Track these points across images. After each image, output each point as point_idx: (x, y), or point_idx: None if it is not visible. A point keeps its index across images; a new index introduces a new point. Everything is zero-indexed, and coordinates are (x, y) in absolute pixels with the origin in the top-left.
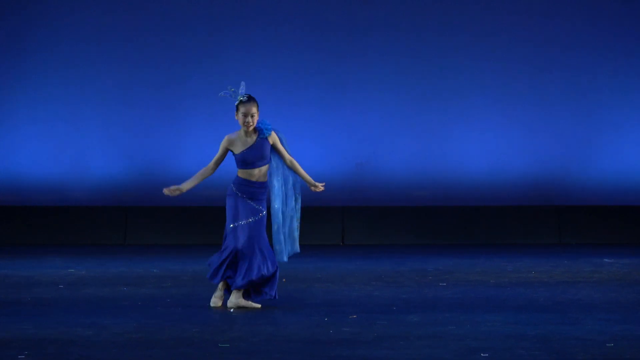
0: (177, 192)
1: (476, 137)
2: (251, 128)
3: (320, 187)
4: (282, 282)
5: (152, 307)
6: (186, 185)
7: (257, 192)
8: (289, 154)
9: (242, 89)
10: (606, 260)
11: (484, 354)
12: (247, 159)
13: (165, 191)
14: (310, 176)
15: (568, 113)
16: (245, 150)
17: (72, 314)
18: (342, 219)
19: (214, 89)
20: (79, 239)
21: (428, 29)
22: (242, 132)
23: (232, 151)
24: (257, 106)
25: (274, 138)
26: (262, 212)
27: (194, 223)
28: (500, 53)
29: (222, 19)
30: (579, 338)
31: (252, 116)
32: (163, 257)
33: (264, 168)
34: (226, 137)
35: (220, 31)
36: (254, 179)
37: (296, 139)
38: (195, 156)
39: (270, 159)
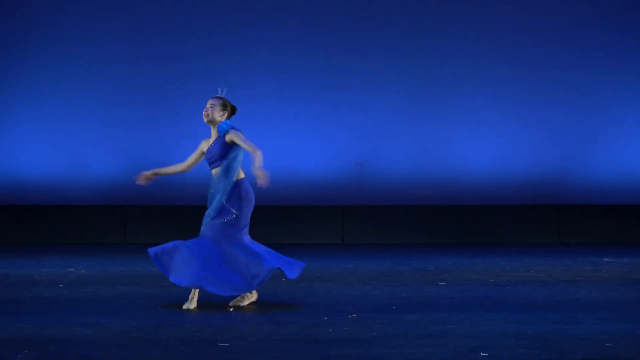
0: (152, 177)
1: (476, 137)
2: (206, 119)
3: (262, 180)
4: (281, 280)
5: (151, 307)
6: (161, 171)
7: (211, 196)
8: (251, 147)
9: (222, 92)
10: (606, 259)
11: (483, 353)
12: (206, 158)
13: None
14: (310, 175)
15: (568, 112)
16: (207, 148)
17: (72, 313)
18: (342, 218)
19: (213, 88)
20: (79, 238)
21: (428, 29)
22: (212, 131)
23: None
24: (220, 102)
25: (231, 137)
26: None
27: (193, 222)
28: (500, 52)
29: (222, 17)
30: (578, 337)
31: (209, 107)
32: None
33: (217, 170)
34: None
35: (220, 29)
36: (211, 182)
37: (296, 138)
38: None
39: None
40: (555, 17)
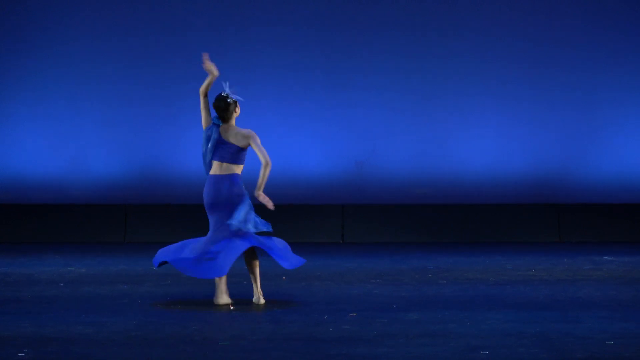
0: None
1: (476, 135)
2: None
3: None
4: (282, 280)
5: (152, 305)
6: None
7: None
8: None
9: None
10: (606, 258)
11: (484, 351)
12: None
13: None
14: (310, 174)
15: (568, 111)
16: None
17: (72, 312)
18: (342, 217)
19: (214, 87)
20: (79, 236)
21: (428, 28)
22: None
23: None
24: None
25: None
26: None
27: (194, 221)
28: (500, 51)
29: (223, 16)
30: (578, 336)
31: None
32: None
33: None
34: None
35: (220, 28)
36: None
37: (296, 137)
38: (196, 154)
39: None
40: (555, 17)
